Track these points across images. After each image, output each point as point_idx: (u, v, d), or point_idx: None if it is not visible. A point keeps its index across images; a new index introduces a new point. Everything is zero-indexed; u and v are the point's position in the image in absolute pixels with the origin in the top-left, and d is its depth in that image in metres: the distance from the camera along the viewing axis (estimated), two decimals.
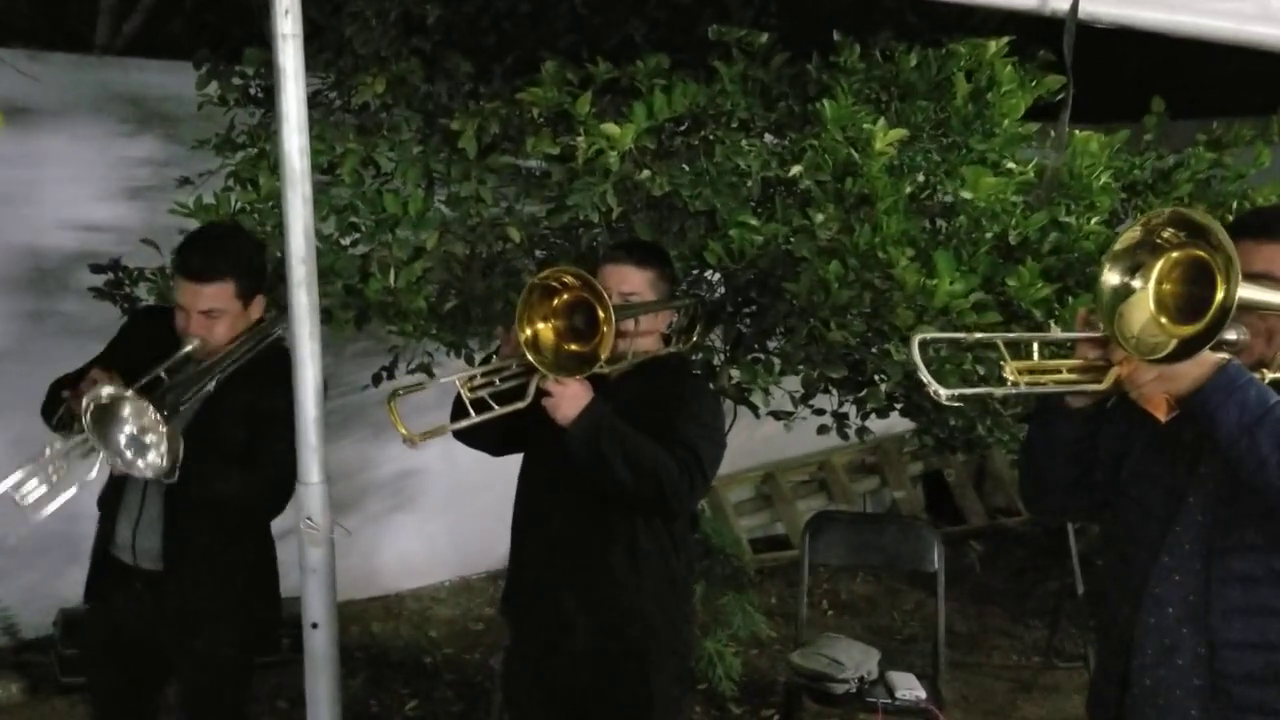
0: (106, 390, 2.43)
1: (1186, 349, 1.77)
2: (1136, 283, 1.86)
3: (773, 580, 5.64)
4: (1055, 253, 2.90)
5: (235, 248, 2.77)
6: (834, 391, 3.42)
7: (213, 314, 2.68)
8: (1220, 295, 1.72)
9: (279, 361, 2.64)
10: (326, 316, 3.10)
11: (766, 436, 4.48)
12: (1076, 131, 3.00)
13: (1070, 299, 2.80)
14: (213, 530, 2.77)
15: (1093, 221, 2.94)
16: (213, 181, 3.42)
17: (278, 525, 3.82)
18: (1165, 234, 1.84)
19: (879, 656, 3.67)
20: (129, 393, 2.45)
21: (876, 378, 3.15)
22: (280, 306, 2.75)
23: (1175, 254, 1.84)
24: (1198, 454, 1.97)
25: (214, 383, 2.68)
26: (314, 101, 3.36)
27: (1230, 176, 3.36)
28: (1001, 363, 1.91)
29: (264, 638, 3.07)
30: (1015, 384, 1.90)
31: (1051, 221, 2.91)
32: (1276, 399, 1.80)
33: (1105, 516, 2.17)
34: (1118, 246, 1.88)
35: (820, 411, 3.54)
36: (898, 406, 3.34)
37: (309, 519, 2.03)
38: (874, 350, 2.94)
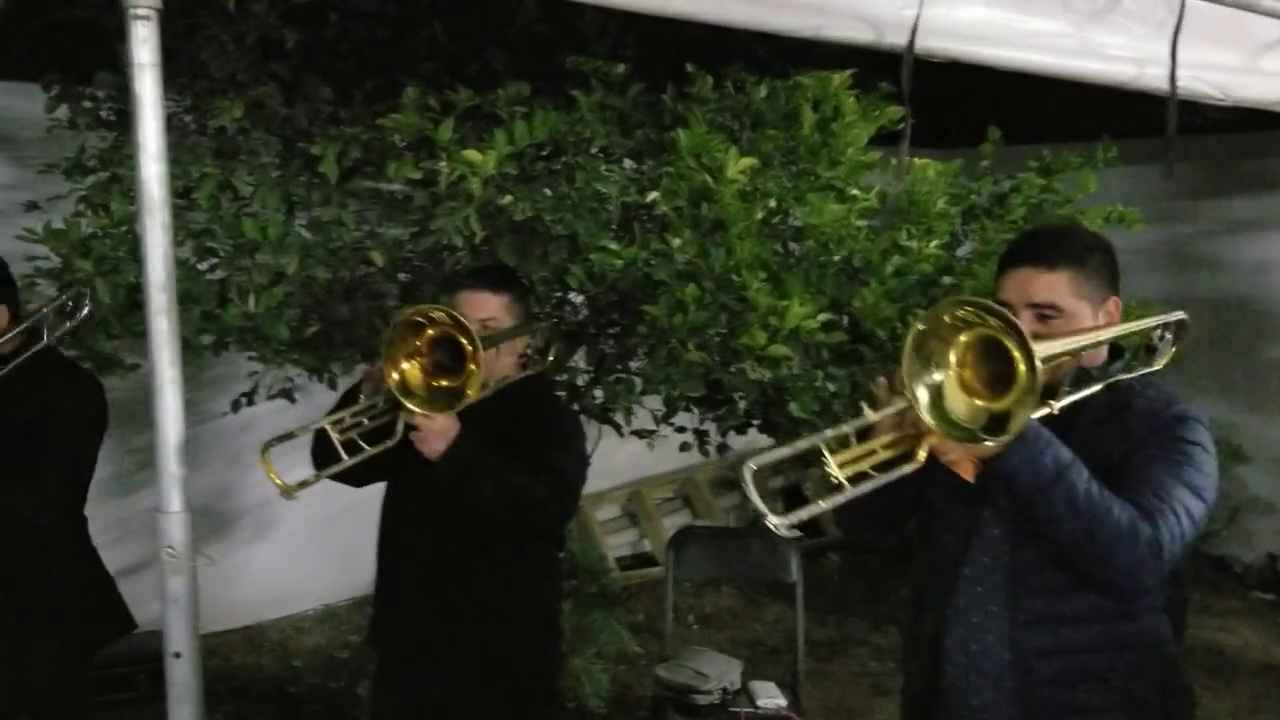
0: None
1: (997, 422, 1.80)
2: (938, 374, 1.86)
3: (640, 597, 5.72)
4: (897, 275, 3.05)
5: None
6: (694, 410, 3.52)
7: None
8: (1022, 369, 1.75)
9: (60, 367, 2.95)
10: (183, 343, 3.05)
11: (631, 455, 4.54)
12: (916, 159, 3.16)
13: (911, 318, 2.95)
14: (16, 546, 2.79)
15: (931, 245, 3.10)
16: (62, 206, 3.33)
17: (136, 556, 3.74)
18: (949, 319, 1.85)
19: (741, 667, 3.77)
20: None
21: (735, 396, 3.26)
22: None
23: (964, 337, 1.86)
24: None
25: None
26: (169, 125, 3.28)
27: (1060, 201, 3.57)
28: (823, 463, 1.89)
29: (104, 620, 3.05)
30: (840, 484, 1.88)
31: (893, 245, 3.07)
32: (1070, 459, 1.88)
33: (914, 531, 2.27)
34: (908, 346, 1.87)
35: (681, 429, 3.64)
36: (755, 423, 3.46)
37: (170, 548, 2.02)
38: (731, 369, 3.03)
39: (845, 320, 2.98)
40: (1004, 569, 2.07)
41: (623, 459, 5.15)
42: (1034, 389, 1.74)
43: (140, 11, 1.87)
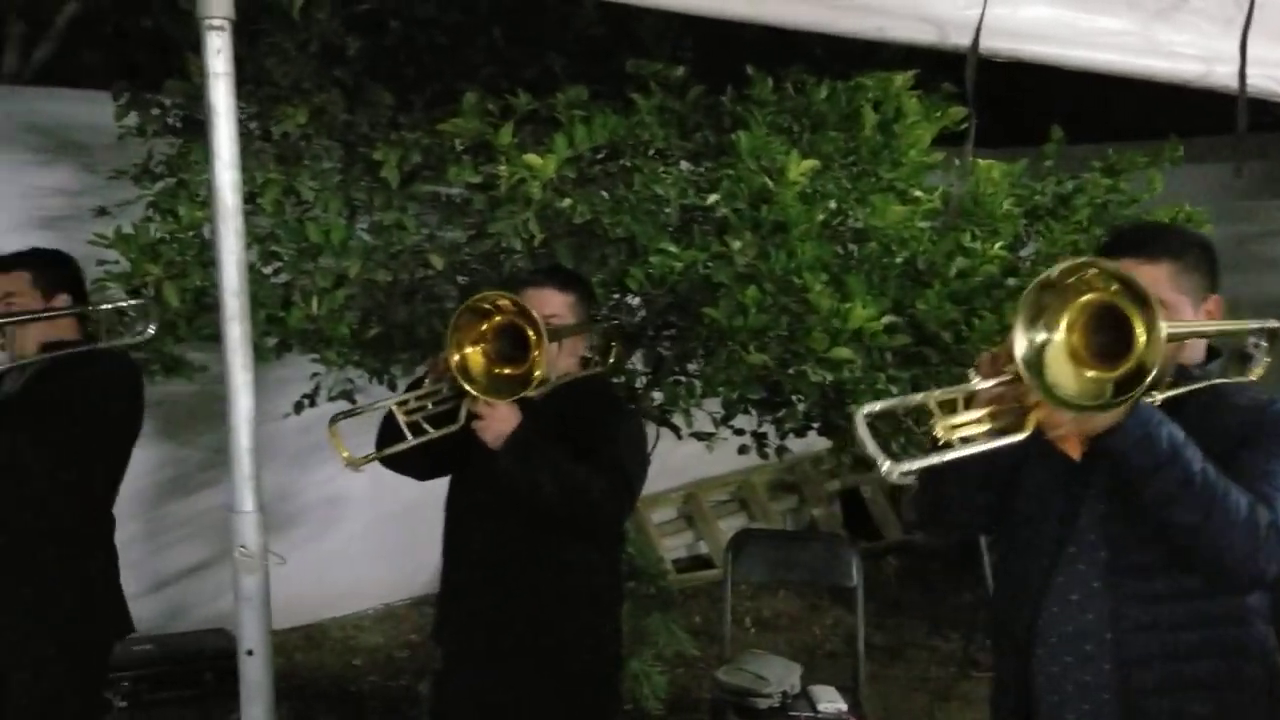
0: None
1: (1122, 389, 1.74)
2: (1044, 334, 1.83)
3: (696, 600, 5.71)
4: (961, 276, 3.02)
5: (38, 250, 2.98)
6: (753, 412, 3.51)
7: (8, 299, 2.85)
8: (1143, 339, 1.71)
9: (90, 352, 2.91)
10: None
11: (687, 457, 4.54)
12: (979, 160, 3.12)
13: (976, 320, 2.92)
14: (39, 537, 2.80)
15: (996, 246, 3.06)
16: (131, 211, 3.40)
17: (202, 554, 3.76)
18: (1070, 281, 1.81)
19: (801, 671, 3.76)
20: None
21: (794, 398, 3.25)
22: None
23: (1083, 300, 1.81)
24: (1089, 472, 1.98)
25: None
26: None
27: (1125, 201, 3.51)
28: (932, 423, 1.87)
29: (106, 622, 3.02)
30: (950, 444, 1.85)
31: (957, 246, 3.04)
32: (1184, 438, 1.82)
33: (999, 533, 2.21)
34: (1021, 309, 1.84)
35: (740, 432, 3.63)
36: (815, 426, 3.44)
37: (243, 547, 2.05)
38: (791, 371, 3.02)
39: (908, 322, 2.96)
40: (1101, 576, 2.00)
41: (679, 461, 5.15)
42: (1157, 356, 1.69)
43: (215, 22, 1.90)
